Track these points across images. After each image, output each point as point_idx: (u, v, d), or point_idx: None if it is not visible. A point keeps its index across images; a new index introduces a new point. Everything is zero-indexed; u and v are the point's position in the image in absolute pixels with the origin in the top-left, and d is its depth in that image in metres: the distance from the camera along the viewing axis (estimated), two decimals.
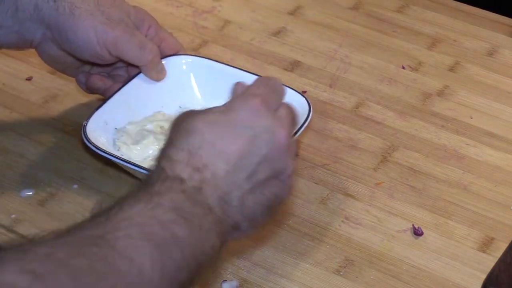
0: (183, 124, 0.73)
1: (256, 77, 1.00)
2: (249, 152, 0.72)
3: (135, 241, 0.65)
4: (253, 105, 0.74)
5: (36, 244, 0.63)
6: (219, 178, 0.71)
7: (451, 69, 1.17)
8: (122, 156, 0.93)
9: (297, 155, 1.03)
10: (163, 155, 0.72)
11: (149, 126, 0.99)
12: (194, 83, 1.04)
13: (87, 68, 1.03)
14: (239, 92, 0.77)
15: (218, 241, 0.70)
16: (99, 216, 0.67)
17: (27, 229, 0.94)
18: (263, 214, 0.74)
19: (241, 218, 0.73)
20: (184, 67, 1.03)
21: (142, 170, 0.90)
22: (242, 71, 1.02)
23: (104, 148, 0.92)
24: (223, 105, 0.75)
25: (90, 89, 1.03)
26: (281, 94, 0.78)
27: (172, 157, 0.71)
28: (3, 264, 0.60)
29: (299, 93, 0.99)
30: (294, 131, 0.78)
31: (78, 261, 0.62)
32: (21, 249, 0.62)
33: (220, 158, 0.71)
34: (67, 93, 1.11)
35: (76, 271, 0.61)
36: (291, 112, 0.78)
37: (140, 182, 0.72)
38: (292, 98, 0.99)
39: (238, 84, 0.79)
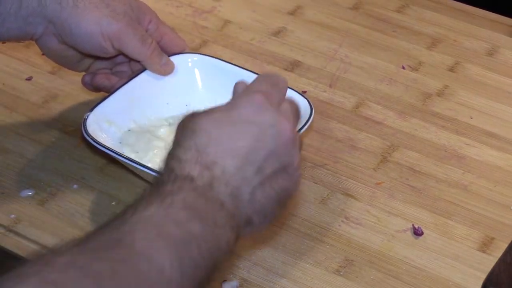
0: (188, 124, 0.74)
1: None
2: (255, 147, 0.73)
3: (153, 241, 0.66)
4: (256, 101, 0.74)
5: (55, 254, 0.63)
6: (228, 174, 0.71)
7: (451, 69, 1.17)
8: (122, 152, 0.93)
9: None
10: (171, 156, 0.73)
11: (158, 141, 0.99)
12: (199, 81, 1.04)
13: (87, 62, 1.04)
14: (241, 90, 0.78)
15: (232, 236, 0.71)
16: (114, 220, 0.67)
17: (27, 229, 0.94)
18: (274, 207, 0.75)
19: (253, 212, 0.73)
20: (190, 65, 1.04)
21: (136, 165, 0.90)
22: (247, 71, 1.02)
23: (103, 143, 0.92)
24: (227, 104, 0.76)
25: (96, 88, 1.04)
26: (283, 89, 0.79)
27: (180, 157, 0.72)
28: (23, 279, 0.60)
29: (300, 94, 0.99)
30: (298, 124, 0.79)
31: (99, 265, 0.63)
32: (40, 262, 0.62)
33: (228, 155, 0.72)
34: (67, 93, 1.11)
35: (98, 275, 0.62)
36: (294, 106, 0.79)
37: (151, 184, 0.72)
38: (293, 98, 0.99)
39: (240, 82, 0.80)
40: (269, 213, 0.75)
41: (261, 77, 0.79)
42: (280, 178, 0.75)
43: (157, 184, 0.71)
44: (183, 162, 0.71)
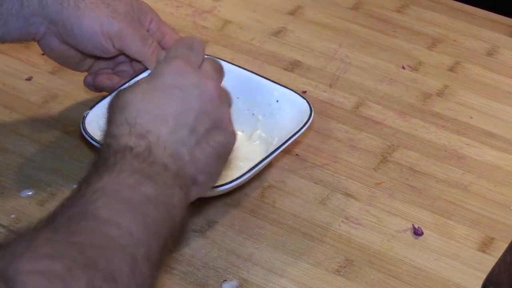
0: (116, 102, 0.76)
1: (268, 82, 1.01)
2: (183, 110, 0.76)
3: (114, 207, 0.68)
4: (175, 66, 0.77)
5: (33, 233, 0.65)
6: (164, 139, 0.74)
7: (451, 69, 1.17)
8: None
9: (296, 154, 1.03)
10: (106, 134, 0.75)
11: None
12: None
13: (88, 62, 1.04)
14: (161, 58, 0.80)
15: (182, 195, 0.73)
16: (71, 198, 0.70)
17: None
18: (215, 164, 0.78)
19: (196, 172, 0.76)
20: None
21: None
22: (248, 72, 1.02)
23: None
24: (149, 75, 0.78)
25: (98, 89, 1.04)
26: (200, 50, 0.81)
27: (114, 133, 0.74)
28: (17, 257, 0.62)
29: (299, 95, 0.99)
30: (221, 80, 0.81)
31: (77, 238, 0.65)
32: (23, 240, 0.64)
33: (159, 122, 0.75)
34: (67, 93, 1.11)
35: (80, 247, 0.64)
36: (215, 64, 0.81)
37: (93, 163, 0.74)
38: (293, 100, 0.99)
39: (161, 51, 0.82)
40: (212, 170, 0.78)
41: (177, 42, 0.82)
42: (215, 134, 0.77)
43: (99, 161, 0.73)
44: (118, 137, 0.74)
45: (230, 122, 0.79)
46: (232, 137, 0.79)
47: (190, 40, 0.82)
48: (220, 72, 0.81)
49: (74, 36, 0.97)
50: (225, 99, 0.80)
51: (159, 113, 0.75)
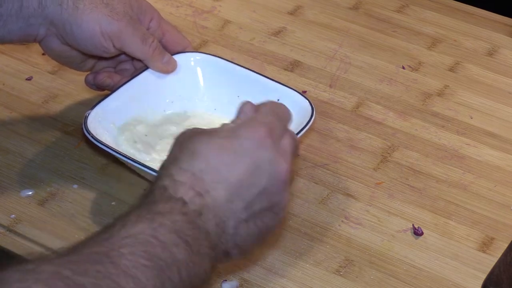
0: (188, 144, 0.74)
1: (270, 81, 1.01)
2: (249, 182, 0.73)
3: (138, 260, 0.66)
4: (259, 134, 0.75)
5: (40, 262, 0.63)
6: (218, 205, 0.72)
7: (451, 69, 1.17)
8: (121, 150, 0.93)
9: (297, 155, 1.03)
10: (166, 173, 0.73)
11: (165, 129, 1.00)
12: (201, 80, 1.04)
13: (90, 62, 1.04)
14: (247, 113, 0.78)
15: (210, 266, 0.72)
16: (102, 233, 0.68)
17: (27, 229, 0.94)
18: (253, 244, 0.76)
19: (233, 245, 0.74)
20: (192, 64, 1.04)
21: (136, 164, 0.90)
22: (249, 71, 1.02)
23: (103, 141, 0.92)
24: (230, 129, 0.76)
25: (99, 87, 1.04)
26: (287, 121, 0.80)
27: (175, 178, 0.72)
28: (7, 283, 0.60)
29: (302, 95, 0.99)
30: (293, 159, 0.79)
31: (83, 279, 0.63)
32: (24, 269, 0.62)
33: (221, 185, 0.72)
34: (67, 93, 1.11)
35: None
36: (294, 142, 0.79)
37: (141, 198, 0.73)
38: (295, 100, 0.99)
39: (246, 104, 0.79)
40: (247, 248, 0.76)
41: (268, 107, 0.79)
42: (266, 216, 0.75)
43: (148, 199, 0.72)
44: (177, 184, 0.72)
45: (284, 208, 0.77)
46: (279, 224, 0.77)
47: (282, 108, 0.80)
48: (296, 152, 0.79)
49: (73, 37, 0.97)
50: (290, 184, 0.77)
51: (226, 175, 0.73)
